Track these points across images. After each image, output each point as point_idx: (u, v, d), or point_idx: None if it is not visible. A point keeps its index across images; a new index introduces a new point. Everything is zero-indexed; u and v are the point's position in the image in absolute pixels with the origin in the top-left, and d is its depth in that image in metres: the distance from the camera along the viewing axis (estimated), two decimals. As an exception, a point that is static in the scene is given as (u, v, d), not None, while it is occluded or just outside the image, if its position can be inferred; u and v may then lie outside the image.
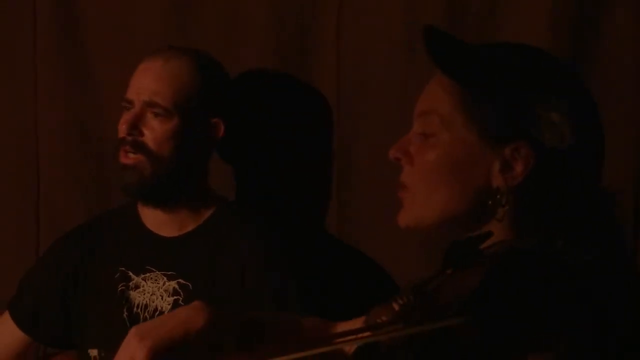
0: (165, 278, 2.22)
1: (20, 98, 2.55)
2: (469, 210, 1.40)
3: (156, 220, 2.25)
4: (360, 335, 1.36)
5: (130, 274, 2.25)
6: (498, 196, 1.37)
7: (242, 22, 2.42)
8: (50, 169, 2.55)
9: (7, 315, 2.35)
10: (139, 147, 2.17)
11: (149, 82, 2.18)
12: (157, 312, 2.21)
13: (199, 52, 2.26)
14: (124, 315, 2.22)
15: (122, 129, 2.18)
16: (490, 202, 1.38)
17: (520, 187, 1.37)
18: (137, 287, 2.24)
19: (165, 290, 2.22)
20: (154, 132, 2.17)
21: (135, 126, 2.17)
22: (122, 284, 2.24)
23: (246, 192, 2.47)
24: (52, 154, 2.55)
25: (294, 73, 2.41)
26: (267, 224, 2.28)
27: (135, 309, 2.23)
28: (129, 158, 2.18)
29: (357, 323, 1.51)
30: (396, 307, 1.31)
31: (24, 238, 2.56)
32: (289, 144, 2.43)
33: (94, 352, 2.26)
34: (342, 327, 1.59)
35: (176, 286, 2.21)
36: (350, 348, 1.51)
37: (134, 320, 2.21)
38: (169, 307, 2.20)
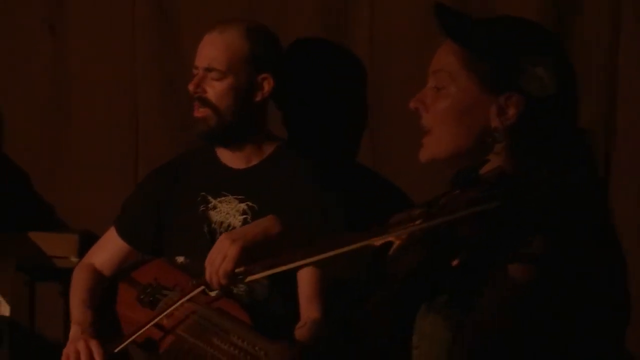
0: (236, 201, 2.47)
1: (122, 59, 2.83)
2: (474, 146, 1.58)
3: (228, 156, 2.55)
4: (385, 231, 1.51)
5: (209, 197, 2.51)
6: (496, 134, 1.56)
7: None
8: (147, 117, 2.84)
9: (113, 230, 2.63)
10: (204, 102, 2.47)
11: (208, 51, 2.48)
12: (230, 227, 2.46)
13: (249, 21, 2.53)
14: (205, 230, 2.48)
15: (191, 88, 2.49)
16: (490, 139, 1.56)
17: (513, 127, 1.55)
18: (214, 208, 2.49)
19: (237, 211, 2.47)
20: (214, 89, 2.46)
21: (199, 85, 2.47)
22: (202, 206, 2.51)
23: (297, 133, 2.73)
24: (149, 105, 2.83)
25: (335, 33, 2.64)
26: (317, 158, 2.54)
27: (213, 225, 2.49)
28: (199, 112, 2.47)
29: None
30: (415, 212, 1.47)
31: (125, 173, 2.86)
32: (332, 94, 2.69)
33: (180, 259, 2.51)
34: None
35: (245, 207, 2.46)
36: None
37: (212, 233, 2.47)
38: (240, 223, 2.44)
